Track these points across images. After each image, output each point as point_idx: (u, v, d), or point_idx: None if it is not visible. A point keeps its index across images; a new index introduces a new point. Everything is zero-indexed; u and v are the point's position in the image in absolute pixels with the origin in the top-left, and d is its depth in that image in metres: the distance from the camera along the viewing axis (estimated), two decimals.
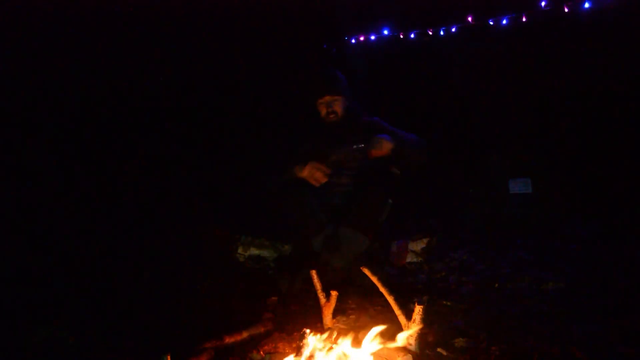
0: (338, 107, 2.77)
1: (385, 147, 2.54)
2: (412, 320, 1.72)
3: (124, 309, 2.41)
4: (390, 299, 1.87)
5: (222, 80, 5.11)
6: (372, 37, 4.96)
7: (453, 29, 4.68)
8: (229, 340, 1.96)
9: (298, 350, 1.71)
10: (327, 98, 2.76)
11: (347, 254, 2.48)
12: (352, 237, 2.46)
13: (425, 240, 3.16)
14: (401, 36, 4.85)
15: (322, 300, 2.07)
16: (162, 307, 2.44)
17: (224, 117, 5.02)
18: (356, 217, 2.50)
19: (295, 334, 1.76)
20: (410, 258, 3.04)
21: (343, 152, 2.73)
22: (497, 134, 4.60)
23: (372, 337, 1.71)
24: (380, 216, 2.66)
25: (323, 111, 2.78)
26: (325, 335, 1.82)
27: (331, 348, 1.75)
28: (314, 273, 2.11)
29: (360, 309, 2.29)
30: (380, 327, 1.72)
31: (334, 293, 2.02)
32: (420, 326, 1.73)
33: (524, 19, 4.42)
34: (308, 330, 1.74)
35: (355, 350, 1.81)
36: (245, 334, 2.01)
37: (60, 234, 3.60)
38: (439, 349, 1.79)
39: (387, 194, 2.65)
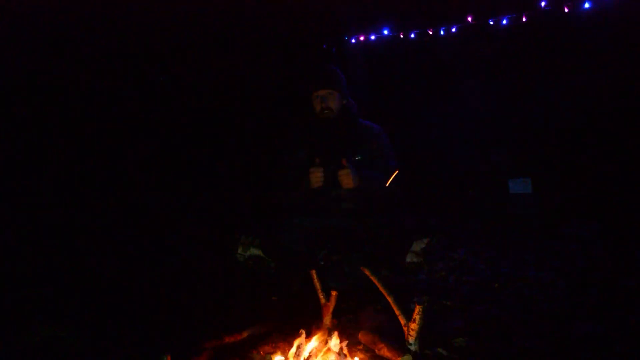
0: (333, 103, 2.65)
1: (348, 181, 2.51)
2: (412, 320, 1.72)
3: (124, 309, 2.41)
4: (390, 299, 1.87)
5: (221, 81, 5.11)
6: (372, 37, 4.96)
7: (453, 29, 4.68)
8: (229, 340, 1.96)
9: (297, 351, 1.71)
10: (322, 92, 2.64)
11: (353, 279, 2.45)
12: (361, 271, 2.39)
13: (425, 240, 3.15)
14: (401, 36, 4.85)
15: (322, 300, 2.07)
16: (162, 307, 2.44)
17: (224, 117, 5.02)
18: (372, 258, 2.45)
19: (295, 334, 1.76)
20: (410, 258, 3.03)
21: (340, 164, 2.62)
22: (497, 133, 4.60)
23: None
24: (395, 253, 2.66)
25: (317, 106, 2.66)
26: (324, 335, 1.82)
27: (330, 348, 1.75)
28: (314, 273, 2.11)
29: (360, 309, 2.29)
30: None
31: (334, 293, 2.02)
32: (420, 326, 1.73)
33: (524, 19, 4.42)
34: (304, 332, 1.75)
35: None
36: (245, 334, 2.01)
37: (60, 234, 3.60)
38: (439, 349, 1.79)
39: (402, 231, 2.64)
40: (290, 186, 2.68)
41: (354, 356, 1.77)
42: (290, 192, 2.67)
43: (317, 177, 2.52)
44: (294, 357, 1.70)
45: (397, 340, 1.77)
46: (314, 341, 1.77)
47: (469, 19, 4.57)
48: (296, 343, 1.73)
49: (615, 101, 4.28)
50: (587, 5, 4.19)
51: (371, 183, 2.59)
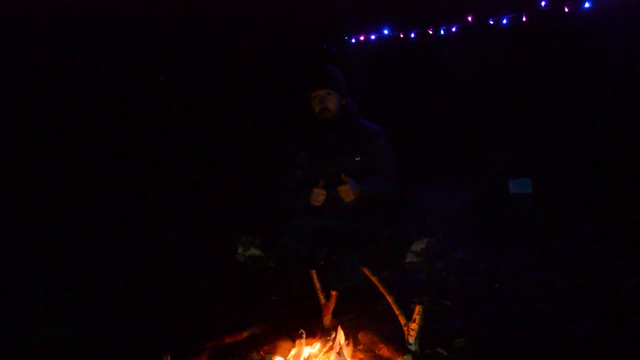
0: (331, 103, 2.64)
1: (348, 196, 2.51)
2: (412, 320, 1.73)
3: (124, 309, 2.41)
4: (390, 299, 1.87)
5: (221, 81, 5.11)
6: (372, 37, 4.96)
7: (453, 29, 4.68)
8: (229, 340, 1.96)
9: (297, 351, 1.71)
10: (320, 92, 2.64)
11: (353, 279, 2.45)
12: (361, 271, 2.35)
13: (425, 240, 3.15)
14: (401, 36, 4.85)
15: (322, 300, 2.07)
16: (162, 307, 2.44)
17: (224, 117, 5.02)
18: (372, 258, 2.45)
19: (295, 334, 1.76)
20: (410, 258, 3.04)
21: (341, 164, 2.64)
22: (497, 133, 4.60)
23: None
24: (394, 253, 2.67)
25: (316, 107, 2.66)
26: (324, 335, 1.82)
27: (330, 348, 1.76)
28: (313, 273, 2.11)
29: (360, 309, 2.29)
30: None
31: (334, 293, 2.02)
32: (420, 326, 1.73)
33: (524, 19, 4.42)
34: (304, 332, 1.75)
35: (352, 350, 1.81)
36: (245, 334, 2.01)
37: (60, 234, 3.60)
38: (439, 349, 1.79)
39: (402, 235, 2.65)
40: (291, 188, 2.68)
41: (354, 356, 1.77)
42: (291, 194, 2.67)
43: (318, 200, 2.53)
44: (294, 357, 1.70)
45: (397, 340, 1.77)
46: (314, 341, 1.77)
47: (469, 18, 4.57)
48: (296, 343, 1.73)
49: (616, 101, 4.28)
50: (587, 5, 4.18)
51: (373, 190, 2.59)
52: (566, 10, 4.25)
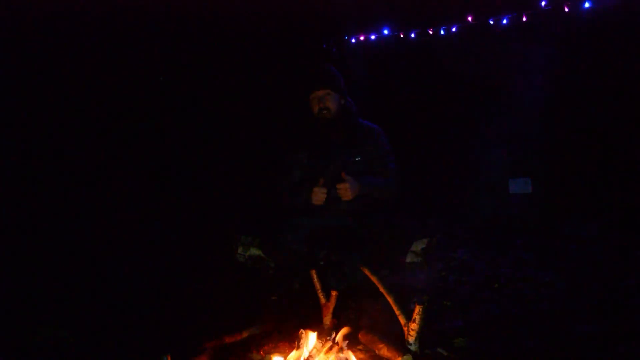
0: (330, 103, 2.62)
1: (347, 195, 2.51)
2: (412, 320, 1.73)
3: (124, 309, 2.41)
4: (390, 299, 1.87)
5: (221, 81, 5.11)
6: (372, 37, 4.96)
7: (453, 29, 4.68)
8: (229, 340, 1.96)
9: (297, 351, 1.71)
10: (319, 92, 2.63)
11: (353, 279, 2.45)
12: (361, 271, 2.32)
13: (425, 240, 3.15)
14: (401, 36, 4.85)
15: (322, 300, 2.07)
16: (162, 307, 2.44)
17: (224, 117, 5.02)
18: (372, 258, 2.44)
19: (295, 334, 1.76)
20: (410, 258, 3.03)
21: (340, 164, 2.63)
22: (497, 133, 4.60)
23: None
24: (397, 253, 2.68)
25: (315, 107, 2.64)
26: (324, 335, 1.82)
27: (330, 348, 1.76)
28: (314, 273, 2.11)
29: (360, 309, 2.29)
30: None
31: (334, 293, 2.02)
32: (420, 326, 1.73)
33: (524, 19, 4.42)
34: (304, 331, 1.75)
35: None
36: (245, 334, 2.01)
37: (60, 234, 3.60)
38: (439, 349, 1.79)
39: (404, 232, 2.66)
40: (291, 188, 2.68)
41: (354, 356, 1.77)
42: (291, 194, 2.67)
43: (319, 198, 2.53)
44: (294, 357, 1.70)
45: (397, 340, 1.77)
46: (314, 341, 1.77)
47: (469, 18, 4.57)
48: (296, 343, 1.73)
49: (616, 101, 4.28)
50: (587, 5, 4.18)
51: (372, 190, 2.60)
52: (566, 10, 4.25)
